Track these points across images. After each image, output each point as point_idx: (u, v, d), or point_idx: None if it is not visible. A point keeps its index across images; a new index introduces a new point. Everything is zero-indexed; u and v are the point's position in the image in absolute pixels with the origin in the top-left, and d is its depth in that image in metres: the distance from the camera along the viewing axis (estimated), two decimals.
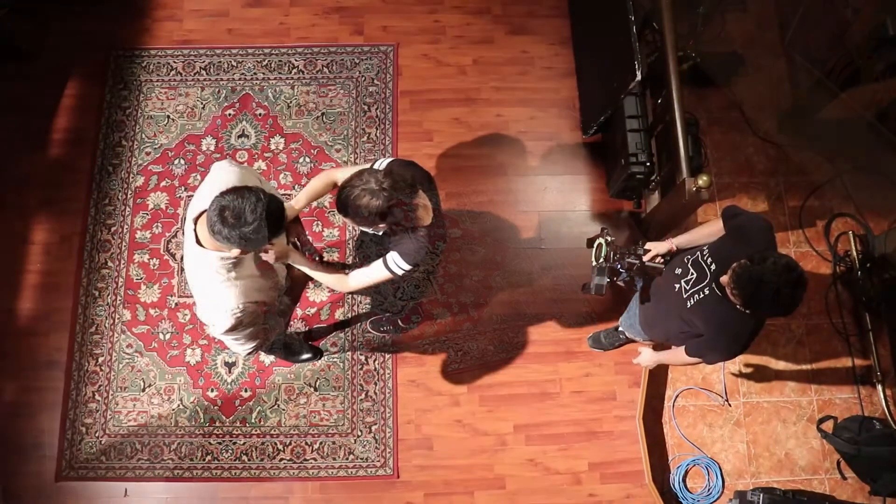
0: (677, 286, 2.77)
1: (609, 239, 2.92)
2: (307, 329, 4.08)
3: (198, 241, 2.35)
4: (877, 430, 3.78)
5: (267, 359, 4.01)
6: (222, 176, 2.55)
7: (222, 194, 2.19)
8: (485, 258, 4.24)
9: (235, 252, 2.29)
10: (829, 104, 4.13)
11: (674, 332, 2.92)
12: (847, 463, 3.89)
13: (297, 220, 3.04)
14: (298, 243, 3.04)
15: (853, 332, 4.16)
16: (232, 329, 2.49)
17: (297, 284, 2.91)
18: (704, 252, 2.71)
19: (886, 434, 3.76)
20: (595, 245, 2.96)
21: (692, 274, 2.70)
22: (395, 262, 2.65)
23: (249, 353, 2.71)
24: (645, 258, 2.93)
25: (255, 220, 2.15)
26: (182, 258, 4.15)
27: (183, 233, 3.03)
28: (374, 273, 2.72)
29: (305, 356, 3.97)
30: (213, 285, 2.42)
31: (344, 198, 2.44)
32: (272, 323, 2.75)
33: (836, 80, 3.98)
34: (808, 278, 2.33)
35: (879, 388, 3.99)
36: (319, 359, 4.01)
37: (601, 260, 2.90)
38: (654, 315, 3.08)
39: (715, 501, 3.87)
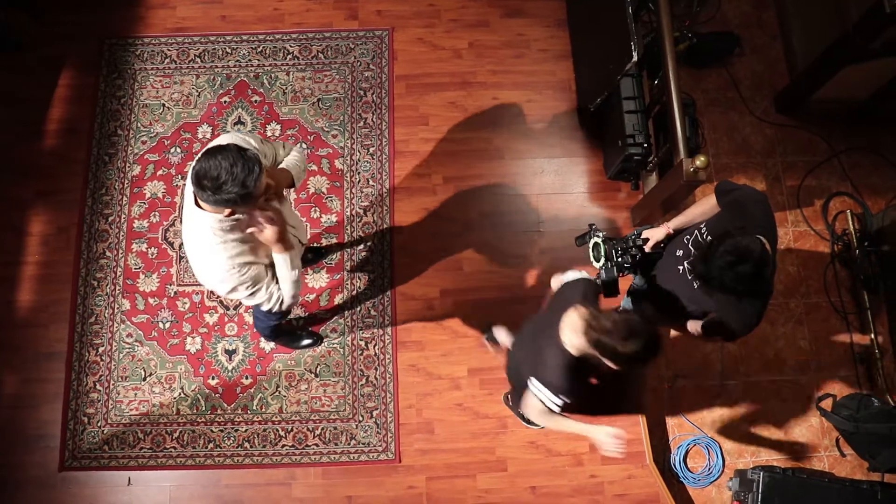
0: (681, 268, 2.76)
1: (602, 235, 2.88)
2: (306, 314, 4.09)
3: (197, 204, 2.38)
4: (875, 407, 3.80)
5: (267, 346, 4.01)
6: (224, 140, 2.57)
7: (198, 161, 2.23)
8: (483, 242, 4.24)
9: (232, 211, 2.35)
10: (826, 84, 4.12)
11: (682, 314, 2.92)
12: (846, 440, 3.91)
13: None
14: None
15: (851, 310, 4.17)
16: (233, 290, 2.54)
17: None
18: (703, 230, 2.70)
19: (885, 411, 3.77)
20: (591, 245, 2.92)
21: (694, 253, 2.70)
22: None
23: (275, 306, 2.69)
24: (646, 248, 2.91)
25: (229, 179, 2.18)
26: (181, 246, 4.15)
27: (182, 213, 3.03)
28: None
29: (306, 342, 3.99)
30: (211, 247, 2.46)
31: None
32: (285, 280, 2.70)
33: (833, 59, 3.96)
34: (758, 257, 2.33)
35: (878, 365, 4.01)
36: (320, 344, 4.02)
37: (603, 261, 2.86)
38: (660, 299, 3.06)
39: (715, 480, 3.89)
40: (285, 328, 3.96)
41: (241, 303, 4.07)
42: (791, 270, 4.21)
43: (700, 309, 2.77)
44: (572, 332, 2.37)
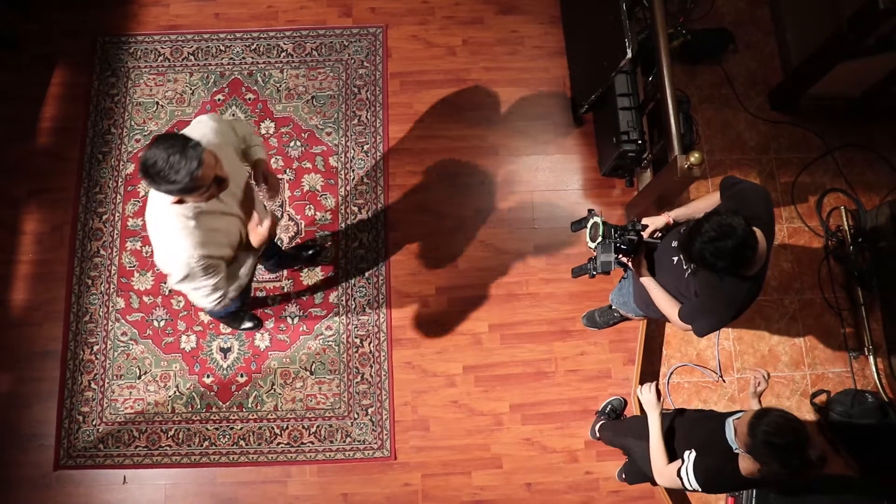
0: (676, 259, 2.77)
1: (602, 218, 2.90)
2: (302, 312, 4.09)
3: None
4: (869, 403, 3.81)
5: (262, 343, 4.01)
6: (198, 129, 2.63)
7: (146, 148, 2.27)
8: (478, 239, 4.25)
9: (202, 199, 2.41)
10: (820, 80, 4.12)
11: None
12: (840, 435, 3.92)
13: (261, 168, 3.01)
14: (261, 185, 2.99)
15: (845, 306, 4.18)
16: (185, 278, 2.56)
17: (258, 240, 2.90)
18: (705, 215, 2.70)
19: (879, 406, 3.79)
20: (590, 225, 2.93)
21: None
22: None
23: (213, 305, 2.76)
24: (644, 234, 2.91)
25: (166, 167, 2.22)
26: None
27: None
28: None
29: (247, 325, 4.02)
30: (172, 233, 2.48)
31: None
32: (236, 279, 2.78)
33: (827, 55, 3.97)
34: (741, 235, 2.35)
35: (871, 360, 4.02)
36: (260, 327, 4.04)
37: (601, 238, 2.87)
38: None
39: None
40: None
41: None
42: (785, 267, 4.22)
43: (687, 300, 2.78)
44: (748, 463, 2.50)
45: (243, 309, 4.02)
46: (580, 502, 3.89)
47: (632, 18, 3.70)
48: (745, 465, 2.47)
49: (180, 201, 2.39)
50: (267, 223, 2.71)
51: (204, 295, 2.67)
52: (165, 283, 2.77)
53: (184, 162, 2.23)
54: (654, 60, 3.60)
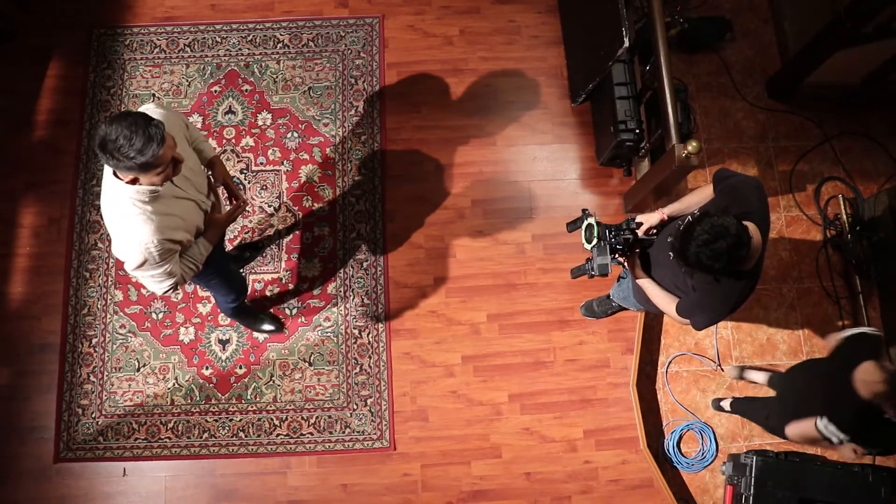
0: (672, 254, 2.77)
1: (595, 218, 2.90)
2: (301, 304, 4.09)
3: (115, 174, 2.39)
4: None
5: (260, 335, 4.01)
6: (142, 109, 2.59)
7: (101, 124, 2.24)
8: (476, 229, 4.24)
9: (157, 180, 2.38)
10: (817, 68, 4.11)
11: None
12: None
13: (221, 168, 3.06)
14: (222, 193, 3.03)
15: (843, 294, 4.19)
16: (143, 264, 2.54)
17: (215, 227, 2.91)
18: (696, 215, 2.71)
19: None
20: (584, 226, 2.93)
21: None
22: None
23: (166, 291, 2.74)
24: (639, 232, 2.92)
25: (126, 144, 2.19)
26: None
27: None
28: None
29: (267, 327, 4.00)
30: (129, 218, 2.46)
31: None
32: (189, 263, 2.79)
33: (825, 43, 3.96)
34: (734, 235, 2.34)
35: None
36: (282, 330, 4.03)
37: (596, 240, 2.87)
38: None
39: (709, 465, 3.92)
40: (246, 308, 3.94)
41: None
42: (783, 255, 4.22)
43: (685, 295, 2.78)
44: (869, 382, 2.72)
45: (263, 310, 4.05)
46: (579, 491, 3.91)
47: (629, 7, 3.69)
48: None
49: (134, 181, 2.36)
50: (233, 210, 2.89)
51: (158, 281, 2.65)
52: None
53: (145, 139, 2.20)
54: (652, 49, 3.59)
